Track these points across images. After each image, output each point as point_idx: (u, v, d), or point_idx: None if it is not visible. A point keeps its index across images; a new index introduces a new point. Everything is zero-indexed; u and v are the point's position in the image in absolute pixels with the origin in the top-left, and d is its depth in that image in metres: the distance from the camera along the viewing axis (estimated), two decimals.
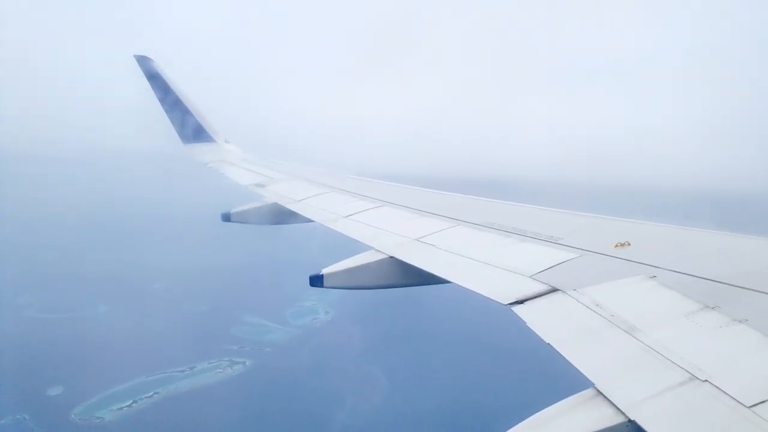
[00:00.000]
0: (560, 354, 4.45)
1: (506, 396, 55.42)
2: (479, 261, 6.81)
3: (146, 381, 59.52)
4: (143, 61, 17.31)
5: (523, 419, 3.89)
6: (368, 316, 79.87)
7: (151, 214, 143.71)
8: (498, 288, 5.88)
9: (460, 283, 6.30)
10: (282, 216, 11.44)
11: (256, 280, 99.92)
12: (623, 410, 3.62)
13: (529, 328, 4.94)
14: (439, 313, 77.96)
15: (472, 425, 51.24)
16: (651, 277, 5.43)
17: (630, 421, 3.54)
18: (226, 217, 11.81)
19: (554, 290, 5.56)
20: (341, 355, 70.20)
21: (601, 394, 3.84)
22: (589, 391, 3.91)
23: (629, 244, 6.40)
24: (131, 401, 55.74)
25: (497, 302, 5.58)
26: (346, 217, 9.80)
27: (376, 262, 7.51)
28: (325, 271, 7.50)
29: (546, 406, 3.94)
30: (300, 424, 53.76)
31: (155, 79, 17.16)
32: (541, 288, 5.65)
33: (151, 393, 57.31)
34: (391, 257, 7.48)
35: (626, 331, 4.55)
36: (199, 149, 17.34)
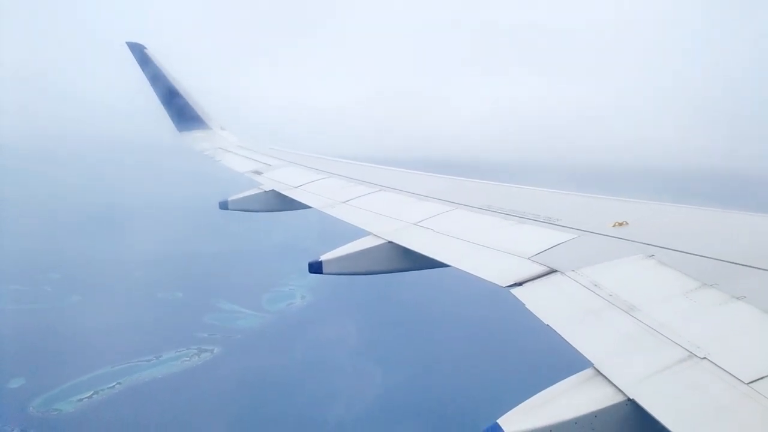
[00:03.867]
0: (559, 335, 4.46)
1: (501, 380, 55.73)
2: (477, 244, 6.79)
3: (110, 371, 59.62)
4: (136, 49, 17.15)
5: (522, 401, 3.90)
6: (347, 300, 79.93)
7: (139, 205, 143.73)
8: (496, 270, 5.87)
9: (458, 267, 6.30)
10: (280, 203, 11.41)
11: (237, 267, 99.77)
12: (623, 389, 3.64)
13: (528, 311, 4.94)
14: (426, 298, 78.25)
15: (467, 410, 51.49)
16: (649, 256, 5.43)
17: (629, 399, 3.56)
18: (224, 206, 11.75)
19: (553, 271, 5.55)
20: (312, 340, 70.09)
21: (601, 374, 3.85)
22: (588, 371, 3.93)
23: (627, 223, 6.39)
24: (92, 392, 55.75)
25: (496, 285, 5.57)
26: (344, 202, 9.77)
27: (375, 247, 7.49)
28: (323, 257, 7.48)
29: (545, 388, 3.95)
30: (260, 413, 53.72)
31: (148, 66, 17.02)
32: (540, 269, 5.64)
33: (113, 384, 57.40)
34: (390, 242, 7.47)
35: (625, 311, 4.56)
36: (195, 136, 17.23)
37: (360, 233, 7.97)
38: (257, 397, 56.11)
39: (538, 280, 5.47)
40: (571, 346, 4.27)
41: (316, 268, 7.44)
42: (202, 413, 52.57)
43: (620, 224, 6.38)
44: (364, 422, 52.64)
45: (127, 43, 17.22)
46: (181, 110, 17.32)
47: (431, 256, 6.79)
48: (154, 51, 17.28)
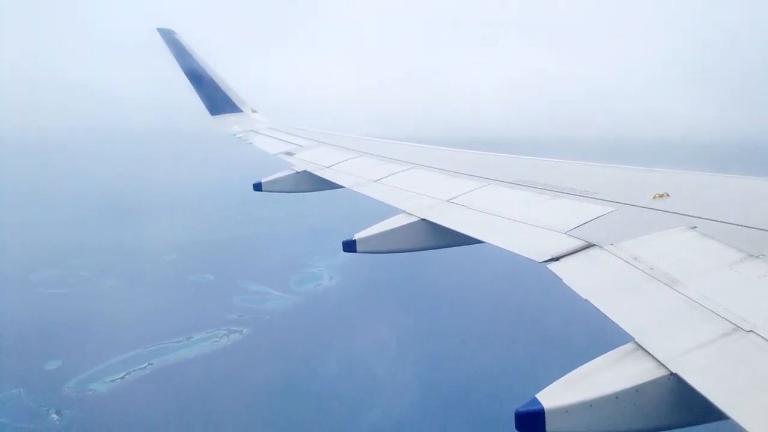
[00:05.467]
0: (598, 310, 4.37)
1: (538, 356, 55.47)
2: (512, 219, 6.70)
3: (142, 353, 61.66)
4: (167, 35, 17.28)
5: (560, 377, 3.85)
6: (375, 281, 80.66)
7: (172, 191, 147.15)
8: (532, 246, 5.78)
9: (492, 243, 6.23)
10: (312, 183, 11.46)
11: (267, 249, 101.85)
12: (665, 363, 3.56)
13: (565, 286, 4.85)
14: (456, 275, 78.46)
15: (503, 387, 51.42)
16: (691, 228, 5.27)
17: (672, 374, 3.48)
18: (258, 187, 11.83)
19: (590, 246, 5.43)
20: (339, 321, 71.00)
21: (642, 348, 3.78)
22: (628, 346, 3.86)
23: (668, 195, 6.21)
24: (125, 373, 57.83)
25: (532, 260, 5.48)
26: (376, 181, 9.74)
27: (408, 225, 7.45)
28: (357, 236, 7.49)
29: (583, 363, 3.90)
30: (289, 393, 54.67)
31: (180, 51, 17.14)
32: (577, 244, 5.53)
33: (145, 365, 59.43)
34: (423, 220, 7.42)
35: (666, 284, 4.44)
36: (227, 120, 17.38)
37: (393, 212, 7.95)
38: (286, 377, 57.29)
39: (576, 254, 5.36)
40: (611, 320, 4.18)
41: (349, 247, 7.45)
42: (231, 393, 54.04)
43: (660, 196, 6.20)
44: (395, 401, 53.13)
45: (157, 29, 17.37)
46: (212, 94, 17.46)
47: (465, 232, 6.73)
48: (183, 36, 17.40)
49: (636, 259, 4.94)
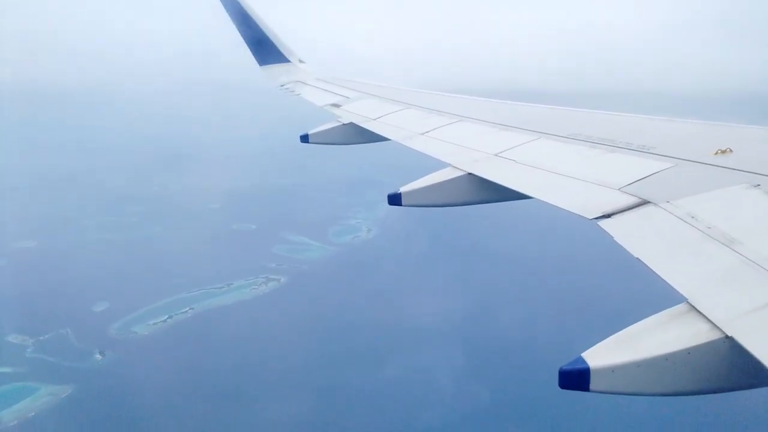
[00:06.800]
0: (650, 269, 4.23)
1: (585, 316, 55.02)
2: (562, 174, 6.51)
3: (185, 297, 64.35)
4: None
5: (606, 338, 3.77)
6: (413, 234, 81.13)
7: (220, 141, 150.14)
8: (583, 202, 5.62)
9: (541, 198, 6.08)
10: (358, 135, 11.40)
11: (309, 200, 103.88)
12: (719, 326, 3.44)
13: (616, 244, 4.71)
14: (494, 231, 78.15)
15: (547, 346, 51.34)
16: (755, 186, 5.00)
17: (727, 337, 3.36)
18: (305, 139, 11.85)
19: (645, 203, 5.24)
20: (375, 272, 72.10)
21: (695, 309, 3.65)
22: (681, 306, 3.74)
23: (731, 150, 5.88)
24: (167, 316, 60.54)
25: (582, 217, 5.33)
26: (423, 134, 9.61)
27: (454, 179, 7.36)
28: (402, 189, 7.45)
29: (632, 324, 3.81)
30: (323, 340, 56.20)
31: (230, 2, 17.06)
32: (631, 201, 5.33)
33: (186, 309, 62.05)
34: (469, 174, 7.30)
35: (725, 244, 4.24)
36: (275, 71, 17.34)
37: (439, 165, 7.84)
38: (320, 325, 58.89)
39: (629, 211, 5.17)
40: (663, 280, 4.05)
41: (395, 200, 7.43)
42: (266, 339, 55.96)
43: (723, 152, 5.89)
44: (429, 352, 53.90)
45: None
46: (261, 44, 17.40)
47: (512, 187, 6.59)
48: None
49: (693, 217, 4.73)
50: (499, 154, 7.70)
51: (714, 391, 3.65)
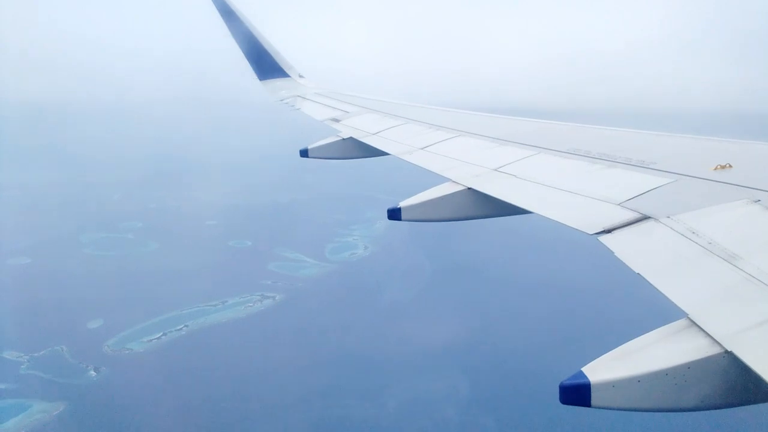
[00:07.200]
0: (650, 285, 4.22)
1: (584, 331, 54.84)
2: (562, 189, 6.51)
3: (179, 314, 64.07)
4: (219, 1, 17.34)
5: (606, 352, 3.77)
6: (408, 251, 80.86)
7: (218, 157, 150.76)
8: (583, 217, 5.61)
9: (541, 213, 6.08)
10: (358, 150, 11.42)
11: (305, 216, 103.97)
12: (720, 341, 3.42)
13: (616, 259, 4.71)
14: (491, 247, 77.91)
15: (547, 361, 51.05)
16: (755, 201, 5.01)
17: (727, 352, 3.35)
18: (304, 153, 11.86)
19: (645, 218, 5.23)
20: (371, 290, 71.67)
21: (696, 324, 3.64)
22: (681, 322, 3.73)
23: (731, 166, 5.90)
24: (161, 333, 60.25)
25: (582, 232, 5.32)
26: (422, 149, 9.62)
27: (454, 193, 7.36)
28: (402, 204, 7.44)
29: (632, 338, 3.80)
30: (317, 357, 55.69)
31: (231, 17, 17.21)
32: (631, 216, 5.33)
33: (181, 326, 61.77)
34: (469, 188, 7.30)
35: (725, 260, 4.24)
36: (275, 85, 17.47)
37: (438, 180, 7.84)
38: (315, 342, 58.48)
39: (629, 227, 5.17)
40: (664, 295, 4.04)
41: (394, 214, 7.42)
42: (260, 357, 55.58)
43: (723, 167, 5.90)
44: (427, 372, 53.40)
45: None
46: (261, 59, 17.55)
47: (512, 202, 6.58)
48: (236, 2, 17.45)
49: (694, 232, 4.74)
50: (499, 169, 7.71)
51: (714, 407, 3.62)
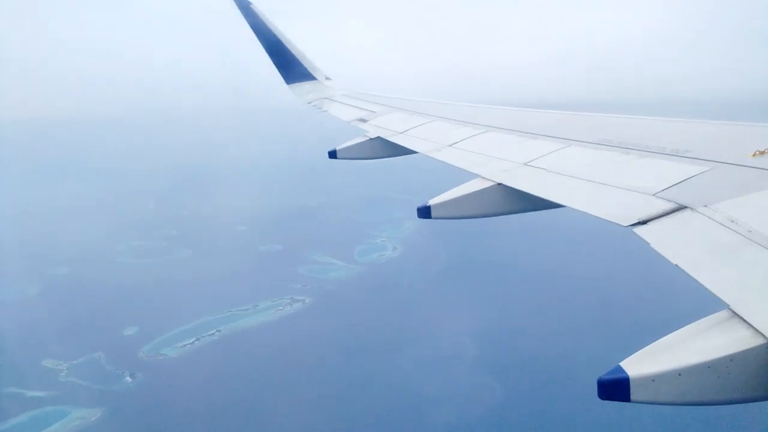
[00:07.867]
0: (689, 276, 4.10)
1: (623, 324, 53.98)
2: (595, 182, 6.39)
3: (212, 319, 65.28)
4: (243, 6, 17.50)
5: (645, 346, 3.67)
6: (439, 251, 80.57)
7: (249, 163, 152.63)
8: (617, 209, 5.49)
9: (573, 207, 5.98)
10: (386, 149, 11.42)
11: (334, 219, 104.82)
12: (763, 332, 3.32)
13: (652, 251, 4.59)
14: (521, 243, 77.10)
15: (584, 356, 50.46)
16: None
17: None
18: (333, 154, 11.91)
19: (682, 208, 5.10)
20: (401, 291, 71.81)
21: (737, 315, 3.53)
22: (723, 313, 3.62)
23: None
24: (194, 339, 61.45)
25: (616, 224, 5.21)
26: (450, 145, 9.58)
27: (484, 190, 7.28)
28: (431, 202, 7.40)
29: (671, 332, 3.71)
30: (348, 360, 56.04)
31: (257, 22, 17.35)
32: (667, 206, 5.19)
33: (213, 331, 62.92)
34: (499, 184, 7.23)
35: (767, 248, 4.11)
36: (302, 88, 17.59)
37: (468, 177, 7.78)
38: (345, 345, 58.73)
39: (665, 217, 5.04)
40: (703, 287, 3.92)
41: (424, 212, 7.38)
42: (291, 360, 56.19)
43: (762, 153, 5.71)
44: (459, 373, 53.17)
45: (234, 1, 17.58)
46: (287, 63, 17.67)
47: (543, 196, 6.49)
48: (259, 5, 17.60)
49: (733, 221, 4.60)
50: (529, 163, 7.62)
51: (757, 400, 3.51)
